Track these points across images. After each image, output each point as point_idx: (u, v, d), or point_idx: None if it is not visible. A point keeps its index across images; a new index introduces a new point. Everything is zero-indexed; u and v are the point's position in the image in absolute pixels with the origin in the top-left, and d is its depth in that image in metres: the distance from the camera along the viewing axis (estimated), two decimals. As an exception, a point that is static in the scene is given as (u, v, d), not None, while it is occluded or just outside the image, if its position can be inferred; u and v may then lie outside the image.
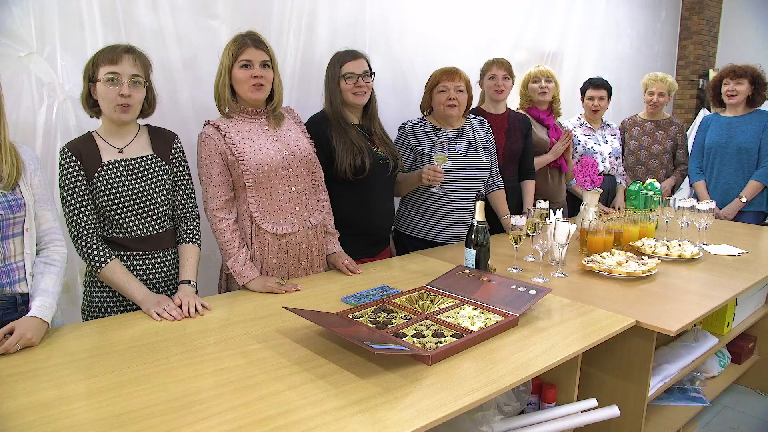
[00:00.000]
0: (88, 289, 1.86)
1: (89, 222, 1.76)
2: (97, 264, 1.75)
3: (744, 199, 3.45)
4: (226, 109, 2.04)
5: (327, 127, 2.29)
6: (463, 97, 2.59)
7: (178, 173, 1.93)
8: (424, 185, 2.43)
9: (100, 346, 1.49)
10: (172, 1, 2.33)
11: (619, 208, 3.35)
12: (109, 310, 1.83)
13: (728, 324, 2.42)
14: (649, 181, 3.20)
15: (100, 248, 1.75)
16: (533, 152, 3.03)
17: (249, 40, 1.96)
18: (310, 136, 2.19)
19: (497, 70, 2.90)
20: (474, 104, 2.84)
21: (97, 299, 1.83)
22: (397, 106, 3.09)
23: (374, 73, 2.37)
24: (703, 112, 5.38)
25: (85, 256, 1.76)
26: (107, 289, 1.82)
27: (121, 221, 1.79)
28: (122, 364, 1.37)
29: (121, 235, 1.81)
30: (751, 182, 3.45)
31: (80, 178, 1.75)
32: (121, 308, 1.83)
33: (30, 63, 2.04)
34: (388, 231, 2.54)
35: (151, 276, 1.85)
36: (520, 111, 3.22)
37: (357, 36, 2.95)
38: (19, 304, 1.60)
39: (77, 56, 2.12)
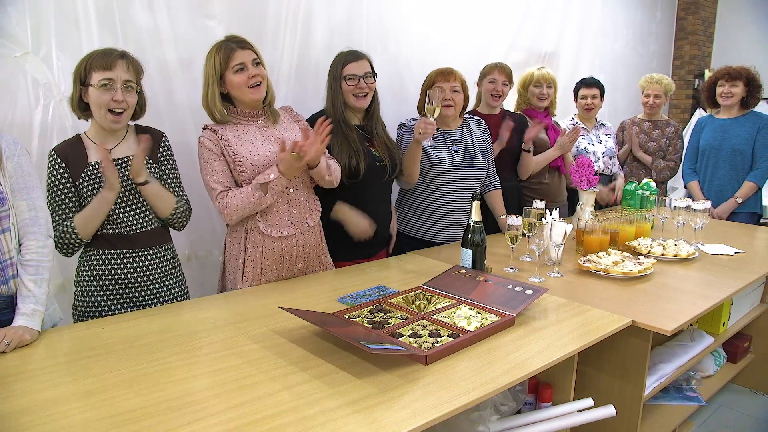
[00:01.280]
0: (79, 289, 1.86)
1: (69, 218, 1.77)
2: (70, 228, 1.74)
3: (739, 200, 3.46)
4: (220, 116, 2.01)
5: None
6: (459, 98, 2.60)
7: (166, 171, 1.93)
8: (419, 141, 2.33)
9: (96, 347, 1.49)
10: (168, 1, 2.33)
11: (616, 197, 3.36)
12: (101, 311, 1.83)
13: (724, 323, 2.43)
14: (645, 180, 3.21)
15: (70, 224, 1.75)
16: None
17: (233, 44, 1.96)
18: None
19: (498, 75, 2.90)
20: (470, 106, 2.85)
21: (89, 299, 1.83)
22: (393, 107, 3.09)
23: (376, 74, 2.36)
24: (699, 113, 5.40)
25: (61, 239, 1.75)
26: (99, 288, 1.82)
27: (109, 219, 1.80)
28: (118, 365, 1.37)
29: (111, 232, 1.82)
30: (746, 183, 3.46)
31: (64, 181, 1.77)
32: (114, 309, 1.83)
33: (26, 63, 2.04)
34: (385, 232, 2.54)
35: (141, 273, 1.85)
36: (517, 112, 3.22)
37: (353, 36, 2.95)
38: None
39: (73, 56, 2.11)
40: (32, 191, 1.62)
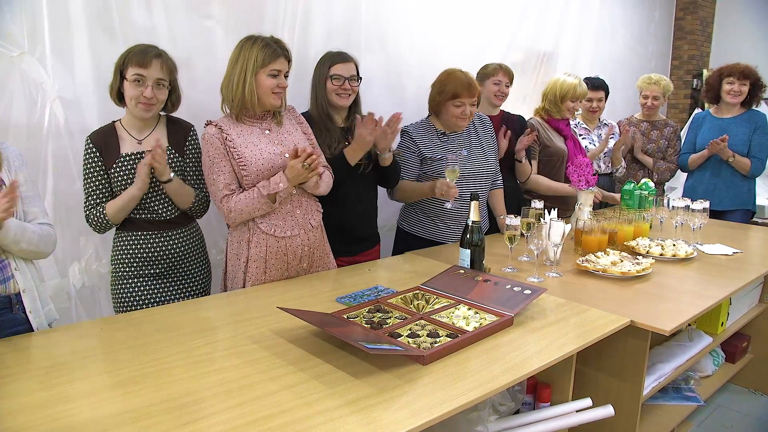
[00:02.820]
0: (114, 266, 2.01)
1: (101, 203, 1.93)
2: (102, 214, 1.92)
3: (733, 158, 3.45)
4: (232, 112, 2.01)
5: None
6: (474, 110, 2.58)
7: (190, 164, 2.05)
8: (437, 197, 2.39)
9: (94, 347, 1.49)
10: (166, 0, 2.32)
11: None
12: (135, 286, 1.99)
13: (722, 323, 2.43)
14: (643, 180, 3.21)
15: (102, 210, 1.93)
16: (530, 154, 3.03)
17: (280, 50, 1.97)
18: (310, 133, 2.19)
19: (503, 77, 2.92)
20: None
21: (123, 273, 1.98)
22: (391, 106, 3.06)
23: (361, 78, 2.37)
24: (697, 112, 5.40)
25: (95, 221, 1.94)
26: (132, 263, 1.98)
27: (140, 205, 1.95)
28: (117, 365, 1.37)
29: (137, 217, 1.97)
30: (744, 158, 3.45)
31: (98, 168, 1.93)
32: (147, 283, 1.99)
33: (21, 63, 2.03)
34: (368, 230, 2.52)
35: (170, 248, 2.01)
36: (534, 118, 3.17)
37: (352, 36, 2.95)
38: (14, 304, 1.60)
39: (69, 57, 2.12)
40: (40, 199, 1.75)
